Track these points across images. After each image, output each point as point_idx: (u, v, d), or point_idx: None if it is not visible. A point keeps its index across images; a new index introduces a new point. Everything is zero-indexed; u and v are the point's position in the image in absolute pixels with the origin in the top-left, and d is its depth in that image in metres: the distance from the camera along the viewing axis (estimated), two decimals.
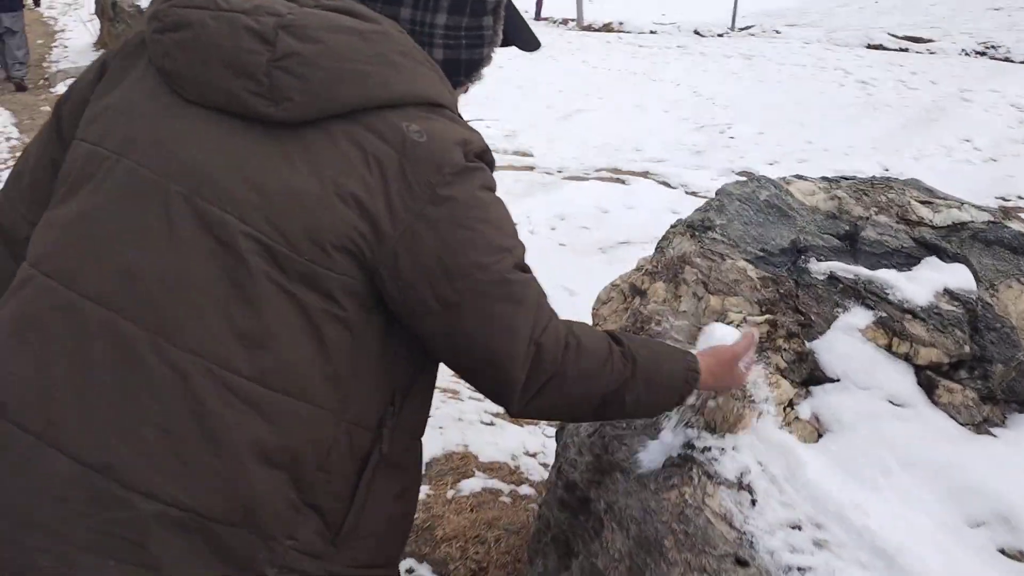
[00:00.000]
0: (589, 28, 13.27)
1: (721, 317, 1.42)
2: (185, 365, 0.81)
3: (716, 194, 1.73)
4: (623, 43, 11.85)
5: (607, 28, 13.34)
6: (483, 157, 0.93)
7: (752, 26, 13.07)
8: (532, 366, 0.93)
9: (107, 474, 0.79)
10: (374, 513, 0.96)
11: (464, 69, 1.04)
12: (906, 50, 10.84)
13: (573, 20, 13.89)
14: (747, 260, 1.51)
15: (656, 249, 1.74)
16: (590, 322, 1.66)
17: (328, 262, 0.84)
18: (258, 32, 0.84)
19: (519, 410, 0.97)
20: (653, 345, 1.17)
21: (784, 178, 1.75)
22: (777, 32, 12.71)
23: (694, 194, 5.57)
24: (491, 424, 2.80)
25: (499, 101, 7.96)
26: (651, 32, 13.23)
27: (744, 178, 1.85)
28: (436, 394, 1.44)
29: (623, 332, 1.24)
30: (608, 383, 1.01)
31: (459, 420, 2.77)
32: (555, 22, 14.05)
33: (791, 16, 14.90)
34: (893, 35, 11.37)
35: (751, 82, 8.94)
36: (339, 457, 0.91)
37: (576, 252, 4.52)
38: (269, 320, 0.84)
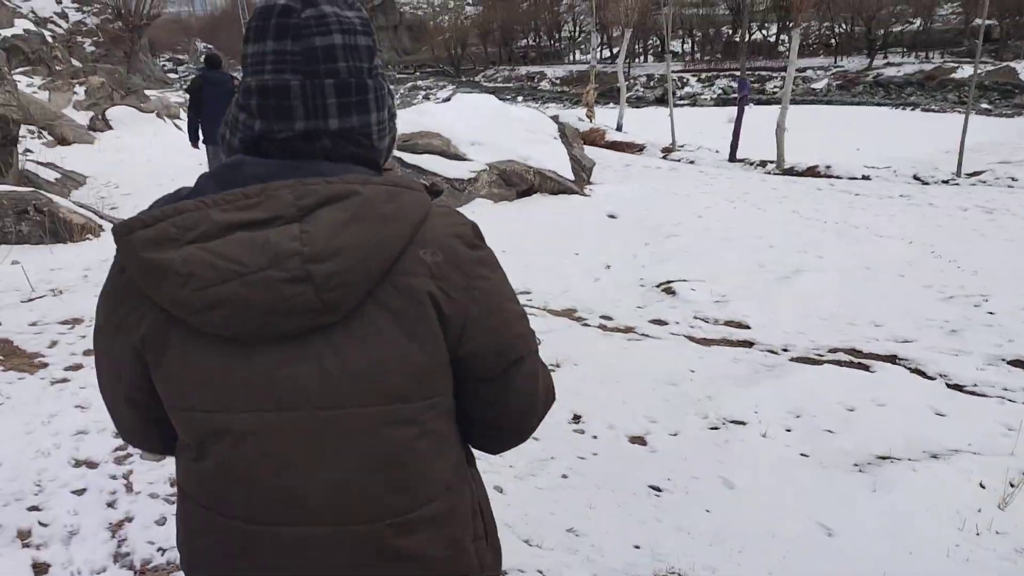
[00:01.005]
0: (791, 171, 12.31)
1: None
2: (370, 533, 1.05)
3: None
4: (835, 190, 10.99)
5: (812, 172, 12.36)
6: (477, 235, 1.13)
7: (983, 171, 11.83)
8: (543, 409, 1.23)
9: None
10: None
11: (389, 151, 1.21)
12: None
13: (772, 162, 13.01)
14: None
15: None
16: None
17: (433, 390, 1.07)
18: (292, 279, 0.95)
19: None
20: None
21: None
22: (1014, 180, 11.40)
23: (958, 388, 4.57)
24: None
25: (702, 255, 7.31)
26: (864, 178, 12.22)
27: None
28: None
29: None
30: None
31: None
32: (752, 164, 13.15)
33: (1005, 151, 13.41)
34: None
35: (1000, 242, 7.81)
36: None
37: (824, 467, 3.65)
38: (413, 465, 1.06)
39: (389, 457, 1.04)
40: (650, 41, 64.45)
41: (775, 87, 48.12)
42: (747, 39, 59.72)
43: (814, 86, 45.88)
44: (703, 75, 52.33)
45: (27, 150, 12.57)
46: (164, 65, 70.50)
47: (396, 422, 1.04)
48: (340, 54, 1.07)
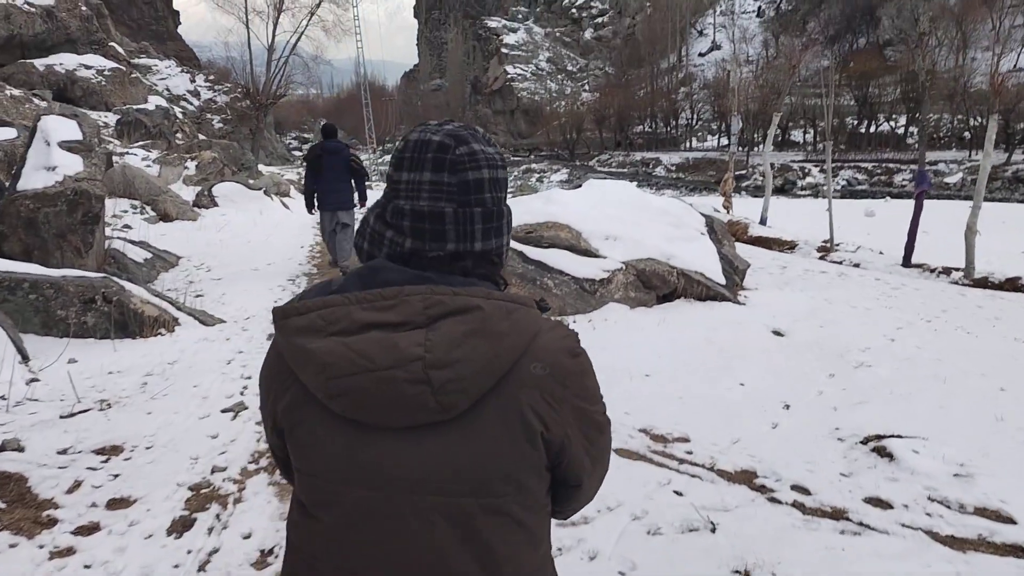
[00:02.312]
0: (985, 283, 10.10)
1: None
2: None
3: None
4: None
5: (1015, 285, 10.10)
6: (576, 343, 1.26)
7: None
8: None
9: None
10: None
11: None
12: None
13: (958, 269, 10.81)
14: None
15: None
16: None
17: (524, 487, 1.18)
18: (413, 380, 1.09)
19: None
20: None
21: None
22: None
23: None
24: None
25: (911, 398, 5.56)
26: None
27: None
28: None
29: None
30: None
31: None
32: (932, 271, 11.03)
33: None
34: None
35: None
36: None
37: None
38: (500, 550, 1.17)
39: (478, 542, 1.15)
40: (769, 129, 62.89)
41: (904, 180, 45.74)
42: (871, 129, 57.61)
43: (947, 180, 43.36)
44: (824, 166, 50.40)
45: (126, 226, 12.01)
46: (290, 143, 73.52)
47: (488, 511, 1.15)
48: (487, 186, 1.26)
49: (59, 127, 8.41)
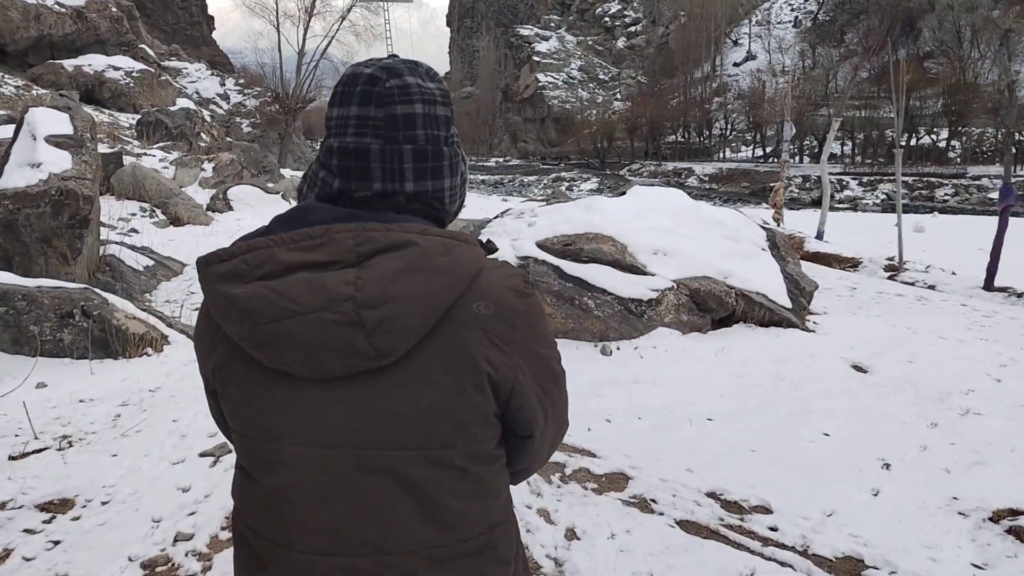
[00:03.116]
0: None
1: None
2: (404, 563, 1.08)
3: None
4: None
5: None
6: (526, 284, 1.15)
7: None
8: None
9: None
10: None
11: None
12: None
13: None
14: None
15: None
16: None
17: (474, 438, 1.10)
18: (344, 322, 1.00)
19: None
20: None
21: None
22: None
23: None
24: None
25: None
26: None
27: None
28: None
29: None
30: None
31: None
32: (1020, 295, 9.67)
33: None
34: None
35: None
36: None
37: None
38: (450, 505, 1.10)
39: (427, 496, 1.08)
40: (806, 141, 62.02)
41: (946, 195, 44.38)
42: (911, 143, 56.11)
43: (991, 196, 42.07)
44: (864, 179, 49.42)
45: (132, 230, 11.23)
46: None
47: (435, 464, 1.08)
48: (420, 122, 1.15)
49: (48, 120, 7.62)
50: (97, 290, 6.37)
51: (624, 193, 8.01)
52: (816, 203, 36.77)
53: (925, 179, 48.49)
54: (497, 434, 1.16)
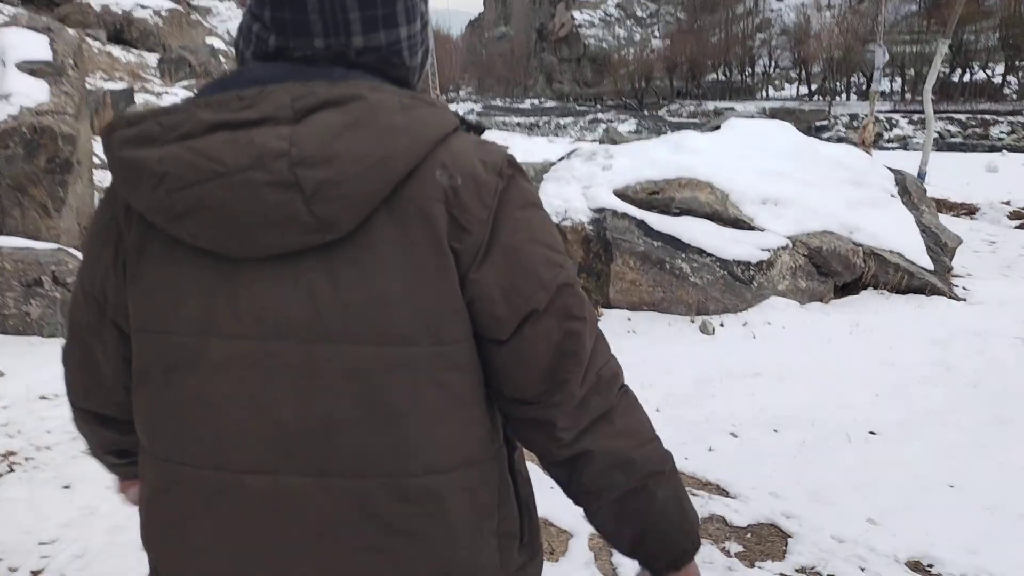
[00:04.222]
0: None
1: None
2: (356, 489, 0.87)
3: None
4: None
5: None
6: (512, 165, 0.93)
7: None
8: (589, 389, 0.95)
9: None
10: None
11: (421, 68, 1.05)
12: None
13: None
14: None
15: None
16: None
17: (442, 335, 0.88)
18: (278, 183, 0.81)
19: (568, 441, 0.95)
20: None
21: None
22: None
23: None
24: None
25: None
26: None
27: None
28: None
29: None
30: (650, 458, 0.99)
31: None
32: None
33: None
34: None
35: None
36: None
37: None
38: (415, 420, 0.88)
39: (386, 406, 0.87)
40: (853, 78, 59.66)
41: (1001, 132, 42.17)
42: (964, 78, 53.36)
43: None
44: (915, 116, 47.14)
45: None
46: None
47: (397, 366, 0.87)
48: None
49: (22, 43, 6.31)
50: (73, 251, 5.16)
51: (719, 128, 6.54)
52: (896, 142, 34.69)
53: (979, 116, 46.08)
54: (470, 335, 0.91)
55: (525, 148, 18.72)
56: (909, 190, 6.20)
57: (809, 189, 5.62)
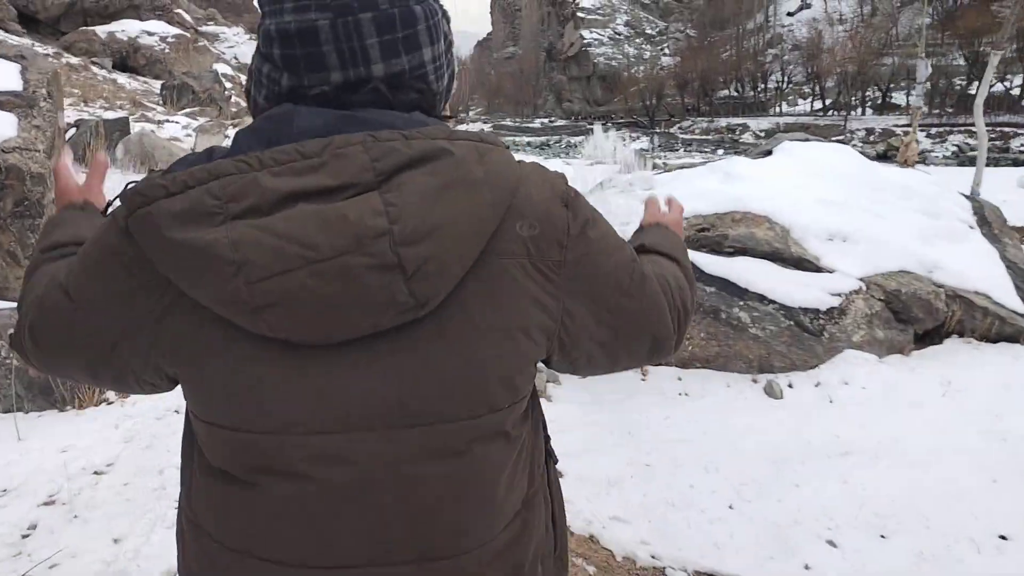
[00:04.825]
0: None
1: None
2: (451, 569, 0.85)
3: None
4: None
5: None
6: (570, 188, 0.91)
7: None
8: (679, 329, 1.04)
9: None
10: None
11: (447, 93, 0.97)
12: None
13: None
14: None
15: None
16: None
17: (519, 391, 0.87)
18: (380, 266, 0.73)
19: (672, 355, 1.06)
20: (651, 237, 1.19)
21: None
22: None
23: None
24: None
25: None
26: None
27: None
28: None
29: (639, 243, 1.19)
30: (690, 289, 1.11)
31: None
32: None
33: None
34: None
35: None
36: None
37: None
38: (499, 484, 0.87)
39: (477, 477, 0.85)
40: (868, 92, 59.15)
41: (1022, 145, 41.40)
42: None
43: None
44: (932, 130, 46.42)
45: None
46: None
47: (486, 436, 0.85)
48: None
49: None
50: None
51: (770, 152, 5.81)
52: (883, 157, 33.90)
53: (999, 129, 45.33)
54: (533, 380, 0.91)
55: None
56: (989, 220, 5.45)
57: (878, 221, 4.90)
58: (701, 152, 39.21)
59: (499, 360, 0.82)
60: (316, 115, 0.80)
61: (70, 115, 17.74)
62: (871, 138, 46.59)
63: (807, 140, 6.09)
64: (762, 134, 57.60)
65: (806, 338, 4.40)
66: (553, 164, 22.08)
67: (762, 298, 4.44)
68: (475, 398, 0.81)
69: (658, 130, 68.02)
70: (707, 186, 4.97)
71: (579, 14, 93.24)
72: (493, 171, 0.80)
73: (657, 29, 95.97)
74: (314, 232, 0.71)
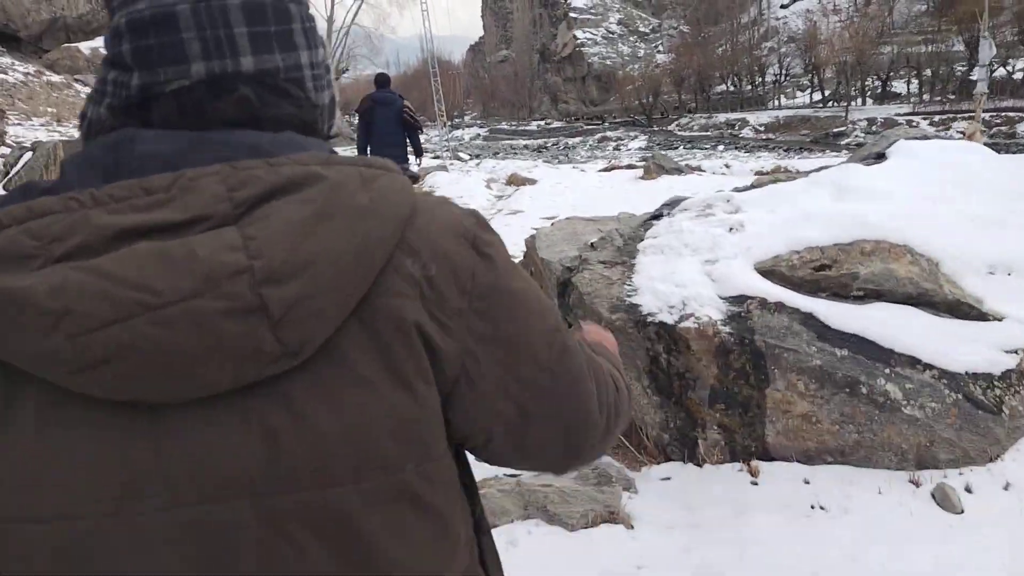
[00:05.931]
0: None
1: None
2: None
3: None
4: None
5: None
6: (482, 227, 0.78)
7: None
8: (607, 430, 0.88)
9: None
10: None
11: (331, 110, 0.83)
12: None
13: None
14: None
15: None
16: None
17: (427, 451, 0.72)
18: (239, 309, 0.60)
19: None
20: (582, 333, 1.07)
21: None
22: None
23: None
24: None
25: None
26: None
27: None
28: None
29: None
30: (626, 403, 0.96)
31: None
32: None
33: None
34: None
35: None
36: None
37: None
38: (404, 562, 0.71)
39: (368, 550, 0.68)
40: (868, 81, 58.15)
41: None
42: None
43: None
44: (935, 118, 45.36)
45: None
46: (355, 123, 71.02)
47: (381, 502, 0.68)
48: None
49: None
50: None
51: (883, 155, 4.51)
52: None
53: (1003, 114, 44.23)
54: (444, 438, 0.75)
55: (557, 183, 16.64)
56: None
57: None
58: (701, 149, 38.14)
59: (390, 412, 0.67)
60: (163, 138, 0.67)
61: (37, 136, 16.50)
62: (873, 128, 45.56)
63: (926, 137, 4.81)
64: (762, 128, 56.57)
65: (980, 417, 3.15)
66: (564, 171, 20.69)
67: (914, 361, 3.18)
68: (363, 459, 0.66)
69: (656, 128, 67.20)
70: (815, 205, 3.71)
71: (571, 14, 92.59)
72: (380, 198, 0.68)
73: (650, 27, 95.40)
74: (153, 273, 0.58)
